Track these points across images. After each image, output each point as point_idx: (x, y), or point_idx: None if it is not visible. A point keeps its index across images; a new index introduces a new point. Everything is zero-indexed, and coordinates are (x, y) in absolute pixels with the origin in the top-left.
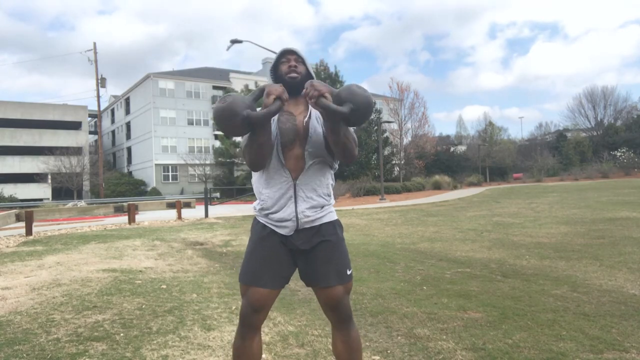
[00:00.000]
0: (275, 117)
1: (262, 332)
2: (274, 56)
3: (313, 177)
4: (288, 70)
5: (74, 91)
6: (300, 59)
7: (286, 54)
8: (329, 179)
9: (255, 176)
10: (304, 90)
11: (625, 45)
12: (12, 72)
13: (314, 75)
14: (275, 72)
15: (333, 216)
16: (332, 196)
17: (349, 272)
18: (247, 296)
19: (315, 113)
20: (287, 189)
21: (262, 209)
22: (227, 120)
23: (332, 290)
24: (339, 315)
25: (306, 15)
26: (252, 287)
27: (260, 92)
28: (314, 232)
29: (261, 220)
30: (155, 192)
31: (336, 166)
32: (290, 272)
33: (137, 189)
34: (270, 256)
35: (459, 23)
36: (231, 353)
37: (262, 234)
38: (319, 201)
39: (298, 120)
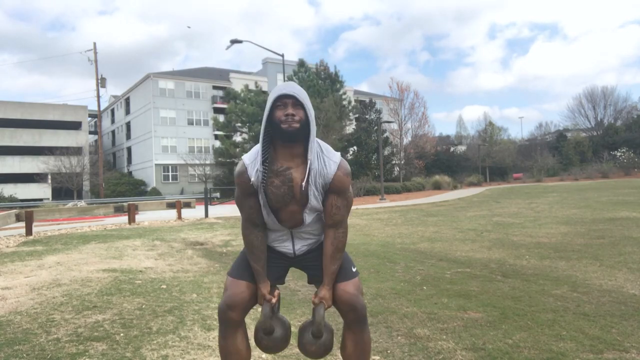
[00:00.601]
0: (263, 179)
1: None
2: (274, 56)
3: (309, 226)
4: (285, 118)
5: (74, 91)
6: (298, 103)
7: (282, 98)
8: (322, 221)
9: None
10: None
11: (624, 46)
12: (13, 72)
13: (313, 121)
14: (270, 116)
15: None
16: None
17: (354, 270)
18: (226, 291)
19: (314, 176)
20: (284, 234)
21: None
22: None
23: (342, 290)
24: (356, 316)
25: (306, 15)
26: (235, 281)
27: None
28: (311, 250)
29: None
30: (155, 192)
31: None
32: (282, 273)
33: (137, 189)
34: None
35: (458, 23)
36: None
37: None
38: (315, 239)
39: (295, 182)
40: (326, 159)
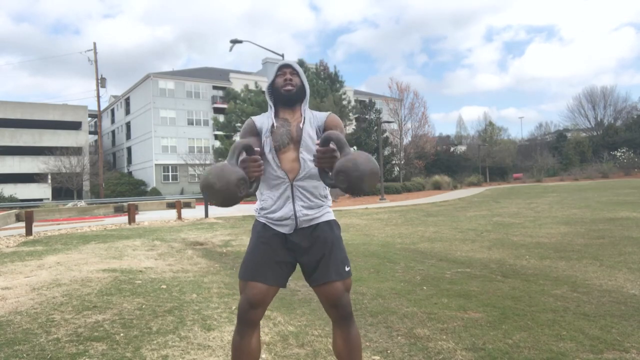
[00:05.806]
0: (268, 124)
1: (262, 332)
2: (274, 56)
3: (309, 178)
4: (284, 83)
5: (75, 92)
6: (295, 72)
7: (282, 68)
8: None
9: None
10: (316, 155)
11: (620, 48)
12: (15, 75)
13: (307, 87)
14: (272, 85)
15: (330, 216)
16: (329, 197)
17: (347, 269)
18: (245, 292)
19: (309, 118)
20: (284, 190)
21: (262, 209)
22: (228, 201)
23: (331, 287)
24: (340, 312)
25: (307, 18)
26: (250, 282)
27: (238, 150)
28: (311, 230)
29: (262, 220)
30: (155, 192)
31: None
32: (288, 272)
33: (137, 189)
34: (270, 254)
35: (456, 26)
36: (231, 353)
37: (262, 234)
38: (315, 202)
39: (292, 126)
40: (318, 114)
